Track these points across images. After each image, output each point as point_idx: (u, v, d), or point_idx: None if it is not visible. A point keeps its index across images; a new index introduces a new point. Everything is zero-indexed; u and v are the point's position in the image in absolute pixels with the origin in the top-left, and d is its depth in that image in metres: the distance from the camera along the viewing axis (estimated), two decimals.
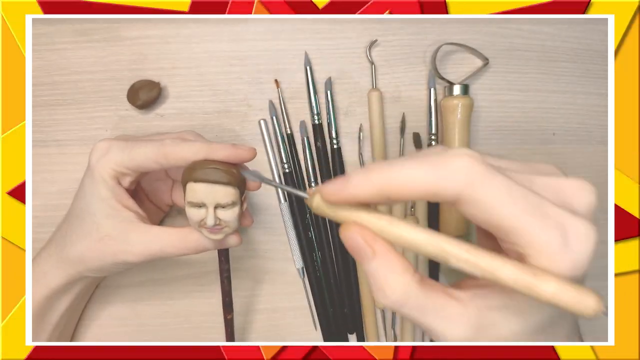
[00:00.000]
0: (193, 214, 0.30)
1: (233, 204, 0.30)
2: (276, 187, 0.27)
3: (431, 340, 0.44)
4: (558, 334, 0.24)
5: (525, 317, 0.22)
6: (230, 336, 0.37)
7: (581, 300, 0.20)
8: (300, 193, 0.26)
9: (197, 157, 0.30)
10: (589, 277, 0.46)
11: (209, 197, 0.29)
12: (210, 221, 0.29)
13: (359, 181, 0.22)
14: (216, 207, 0.29)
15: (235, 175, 0.30)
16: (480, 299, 0.22)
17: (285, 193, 0.42)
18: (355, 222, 0.23)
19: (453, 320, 0.22)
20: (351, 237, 0.23)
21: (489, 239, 0.25)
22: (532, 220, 0.20)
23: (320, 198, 0.23)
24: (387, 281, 0.22)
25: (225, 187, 0.29)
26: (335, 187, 0.22)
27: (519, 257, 0.21)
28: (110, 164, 0.32)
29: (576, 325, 0.26)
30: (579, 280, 0.21)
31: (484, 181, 0.20)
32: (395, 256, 0.23)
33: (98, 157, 0.32)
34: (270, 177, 0.42)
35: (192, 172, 0.29)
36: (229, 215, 0.30)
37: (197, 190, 0.29)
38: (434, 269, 0.43)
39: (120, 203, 0.33)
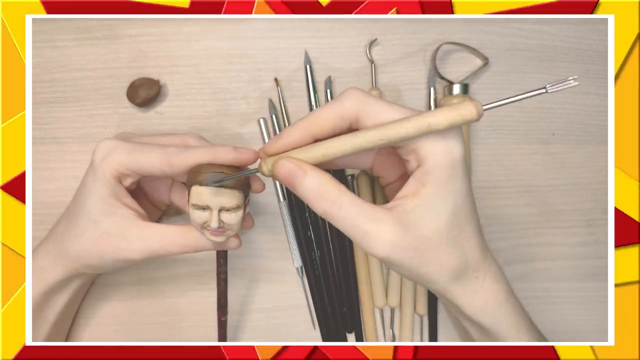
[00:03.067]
0: (197, 216, 0.30)
1: (237, 208, 0.30)
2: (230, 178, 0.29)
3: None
4: (465, 233, 0.28)
5: (435, 214, 0.27)
6: (222, 337, 0.37)
7: (465, 111, 0.25)
8: (251, 170, 0.29)
9: (201, 163, 0.30)
10: (589, 276, 0.46)
11: (214, 200, 0.29)
12: (214, 224, 0.29)
13: (290, 131, 0.28)
14: (220, 210, 0.29)
15: (241, 179, 0.30)
16: (398, 205, 0.27)
17: (285, 191, 0.42)
18: (283, 156, 0.28)
19: (382, 222, 0.26)
20: (284, 165, 0.27)
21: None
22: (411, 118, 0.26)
23: (265, 162, 0.28)
24: (323, 187, 0.27)
25: (230, 191, 0.29)
26: (271, 141, 0.29)
27: (412, 154, 0.27)
28: (113, 164, 0.32)
29: (479, 227, 0.30)
30: (459, 167, 0.27)
31: (370, 99, 0.27)
32: (324, 172, 0.27)
33: (102, 156, 0.32)
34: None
35: (198, 175, 0.29)
36: (233, 218, 0.30)
37: (202, 194, 0.29)
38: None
39: (120, 201, 0.33)
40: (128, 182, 0.33)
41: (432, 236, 0.27)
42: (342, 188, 0.27)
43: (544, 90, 0.25)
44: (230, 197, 0.29)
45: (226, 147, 0.30)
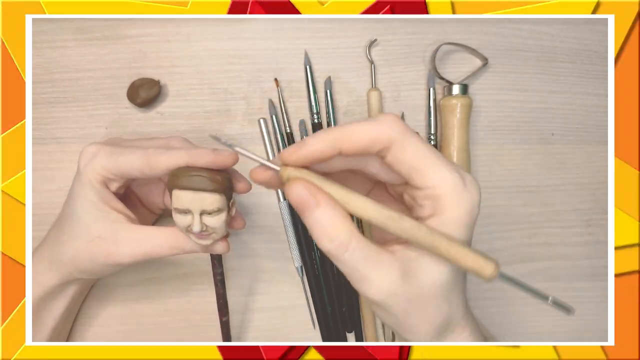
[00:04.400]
0: (180, 220, 0.30)
1: (219, 211, 0.29)
2: (249, 157, 0.27)
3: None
4: (457, 289, 0.28)
5: (439, 269, 0.26)
6: (226, 338, 0.37)
7: (486, 269, 0.25)
8: (273, 166, 0.27)
9: (179, 165, 0.30)
10: (589, 276, 0.46)
11: (194, 204, 0.29)
12: (196, 228, 0.29)
13: (314, 139, 0.25)
14: (202, 213, 0.29)
15: (220, 181, 0.29)
16: (404, 250, 0.26)
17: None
18: (301, 177, 0.25)
19: (384, 267, 0.25)
20: (297, 189, 0.25)
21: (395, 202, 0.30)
22: (443, 164, 0.25)
23: (284, 170, 0.26)
24: (333, 225, 0.25)
25: (210, 194, 0.29)
26: (293, 148, 0.26)
27: (429, 200, 0.26)
28: (97, 168, 0.32)
29: (465, 285, 0.29)
30: (472, 223, 0.26)
31: (409, 132, 0.26)
32: (337, 205, 0.25)
33: (86, 161, 0.32)
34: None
35: (176, 179, 0.29)
36: (216, 221, 0.30)
37: (182, 198, 0.29)
38: None
39: (109, 205, 0.33)
40: (114, 186, 0.33)
41: (429, 288, 0.26)
42: (353, 228, 0.25)
43: (547, 300, 0.27)
44: (211, 201, 0.29)
45: (205, 149, 0.30)
